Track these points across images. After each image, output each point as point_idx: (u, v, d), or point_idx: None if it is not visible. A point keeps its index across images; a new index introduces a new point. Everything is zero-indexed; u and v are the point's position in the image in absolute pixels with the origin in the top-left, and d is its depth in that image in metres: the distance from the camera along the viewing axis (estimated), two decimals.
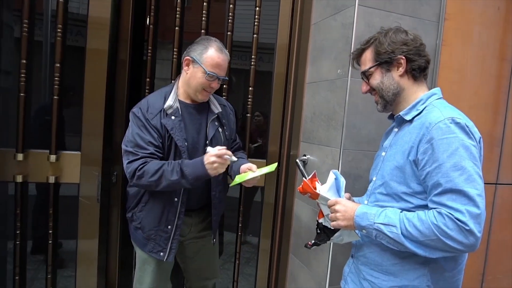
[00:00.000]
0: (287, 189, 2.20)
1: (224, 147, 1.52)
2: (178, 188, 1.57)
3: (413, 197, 1.16)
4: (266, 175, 2.08)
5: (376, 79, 1.27)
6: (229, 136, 1.81)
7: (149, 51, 2.07)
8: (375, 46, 1.26)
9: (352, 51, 1.65)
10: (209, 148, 1.53)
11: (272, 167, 1.58)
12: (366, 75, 1.29)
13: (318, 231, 1.40)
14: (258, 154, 2.31)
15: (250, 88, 2.16)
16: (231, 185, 1.61)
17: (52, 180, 1.83)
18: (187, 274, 1.93)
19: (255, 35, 2.13)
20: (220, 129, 1.75)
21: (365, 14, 1.69)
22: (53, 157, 1.82)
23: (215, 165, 1.47)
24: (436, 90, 1.28)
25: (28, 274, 1.97)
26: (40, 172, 1.84)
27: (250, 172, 1.58)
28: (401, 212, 1.14)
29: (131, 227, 1.71)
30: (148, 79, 2.09)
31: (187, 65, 1.63)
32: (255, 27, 2.13)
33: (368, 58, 1.29)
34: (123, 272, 2.17)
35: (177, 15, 2.05)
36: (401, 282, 1.19)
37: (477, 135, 1.13)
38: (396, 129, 1.30)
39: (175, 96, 1.64)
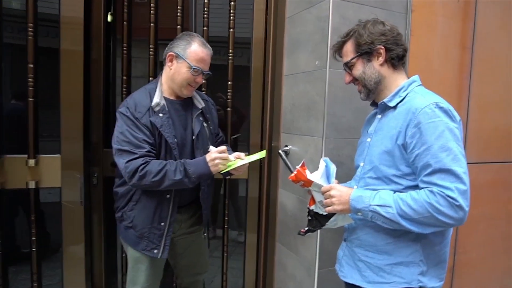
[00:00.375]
0: (270, 180, 2.25)
1: (224, 146, 1.59)
2: (180, 187, 1.57)
3: (403, 178, 1.24)
4: (249, 168, 2.12)
5: (358, 69, 1.34)
6: (213, 130, 1.83)
7: (124, 49, 2.04)
8: (355, 38, 1.33)
9: (331, 43, 1.74)
10: (211, 147, 1.60)
11: (262, 153, 1.64)
12: (349, 66, 1.36)
13: (309, 218, 1.45)
14: (240, 147, 2.34)
15: (229, 83, 2.18)
16: (221, 171, 1.62)
17: (32, 185, 1.77)
18: (178, 271, 1.93)
19: (231, 30, 2.15)
20: (205, 124, 1.77)
21: (339, 7, 1.76)
22: (31, 162, 1.76)
23: (217, 161, 1.54)
24: (415, 77, 1.36)
25: (11, 284, 1.90)
26: (18, 178, 1.77)
27: (239, 160, 1.62)
28: (394, 193, 1.21)
29: (120, 226, 1.69)
30: (125, 77, 2.06)
31: (171, 60, 1.63)
32: (231, 21, 2.15)
33: (349, 49, 1.35)
34: (108, 275, 2.13)
35: (151, 11, 2.03)
36: (396, 260, 1.27)
37: (458, 117, 1.22)
38: (379, 116, 1.37)
39: (160, 93, 1.63)
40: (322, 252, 1.84)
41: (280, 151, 2.05)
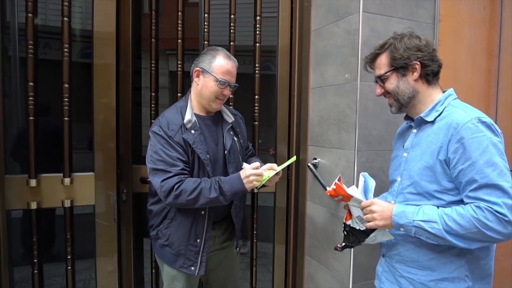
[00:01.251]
0: (298, 193, 2.24)
1: (257, 163, 1.60)
2: (215, 205, 1.58)
3: (445, 194, 1.23)
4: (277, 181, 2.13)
5: (392, 83, 1.33)
6: (243, 144, 1.84)
7: (152, 64, 2.06)
8: (390, 52, 1.32)
9: (361, 56, 1.74)
10: (245, 164, 1.61)
11: (292, 159, 1.70)
12: (382, 79, 1.36)
13: (345, 233, 1.44)
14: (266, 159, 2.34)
15: (256, 97, 2.18)
16: (258, 186, 1.61)
17: (67, 204, 1.79)
18: (209, 286, 1.93)
19: (257, 44, 2.16)
20: (235, 138, 1.78)
21: (369, 20, 1.77)
22: (67, 180, 1.78)
23: (251, 178, 1.54)
24: (451, 90, 1.36)
25: None
26: (54, 197, 1.79)
27: (272, 170, 1.63)
28: (437, 208, 1.20)
29: (155, 245, 1.69)
30: (153, 93, 2.08)
31: (197, 76, 1.66)
32: (257, 35, 2.16)
33: (383, 62, 1.35)
34: None
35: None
36: (440, 275, 1.25)
37: (499, 131, 1.22)
38: (415, 130, 1.36)
39: (191, 110, 1.65)
40: (356, 266, 1.82)
41: (309, 164, 2.05)
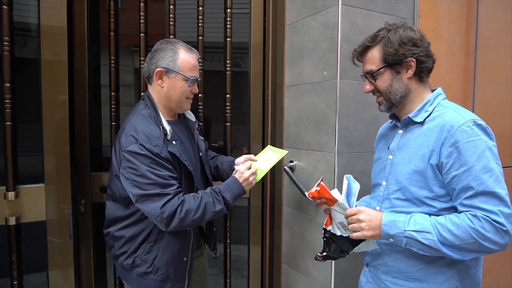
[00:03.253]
0: (274, 198, 2.11)
1: (249, 162, 1.54)
2: (217, 217, 1.45)
3: (436, 201, 1.14)
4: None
5: (385, 81, 1.22)
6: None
7: (112, 60, 1.85)
8: (384, 45, 1.19)
9: (341, 52, 1.62)
10: (237, 167, 1.51)
11: (283, 152, 1.65)
12: (373, 76, 1.23)
13: (325, 239, 1.32)
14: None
15: (227, 96, 2.02)
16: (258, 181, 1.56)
17: (12, 221, 1.55)
18: None
19: (228, 39, 2.00)
20: (202, 137, 1.66)
21: (348, 13, 1.65)
22: (11, 195, 1.54)
23: (251, 179, 1.50)
24: (440, 90, 1.27)
25: None
26: None
27: (265, 163, 1.58)
28: (430, 217, 1.11)
29: (130, 275, 1.44)
30: (113, 93, 1.86)
31: (160, 77, 1.44)
32: (228, 30, 2.00)
33: (375, 57, 1.22)
34: None
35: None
36: (428, 286, 1.17)
37: (493, 134, 1.13)
38: (400, 131, 1.27)
39: (163, 117, 1.45)
40: (337, 276, 1.72)
41: (285, 167, 1.92)
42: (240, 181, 1.46)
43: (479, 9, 2.13)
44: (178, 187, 1.37)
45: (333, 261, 1.71)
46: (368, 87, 1.27)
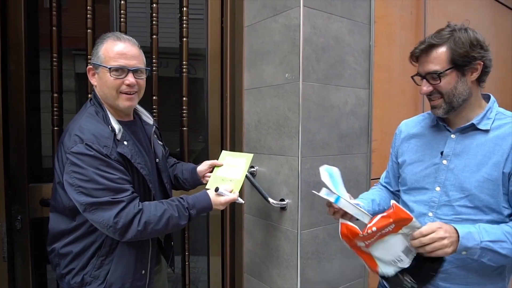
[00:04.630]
0: (234, 205, 2.02)
1: (235, 194, 1.45)
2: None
3: (506, 208, 1.14)
4: None
5: (450, 83, 1.14)
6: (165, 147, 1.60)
7: (54, 60, 1.67)
8: (453, 45, 1.12)
9: (303, 54, 1.60)
10: (222, 189, 1.40)
11: (248, 156, 1.57)
12: (439, 76, 1.14)
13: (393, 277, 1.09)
14: None
15: (184, 99, 1.91)
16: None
17: None
18: None
19: (184, 39, 1.89)
20: (160, 142, 1.53)
21: (309, 15, 1.64)
22: None
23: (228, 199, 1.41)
24: (493, 97, 1.25)
25: None
26: None
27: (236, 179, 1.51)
28: (498, 225, 1.10)
29: None
30: (56, 95, 1.68)
31: (93, 75, 1.32)
32: (184, 29, 1.89)
33: (442, 57, 1.13)
34: None
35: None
36: None
37: None
38: (453, 136, 1.21)
39: (112, 116, 1.31)
40: (304, 282, 1.67)
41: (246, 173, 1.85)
42: (213, 202, 1.37)
43: (426, 17, 2.24)
44: (132, 192, 1.23)
45: (298, 268, 1.66)
46: (426, 88, 1.18)
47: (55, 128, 1.69)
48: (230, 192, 1.44)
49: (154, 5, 1.83)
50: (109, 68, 1.26)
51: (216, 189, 1.40)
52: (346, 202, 1.14)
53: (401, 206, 1.03)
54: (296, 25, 1.63)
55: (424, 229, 1.02)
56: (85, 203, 1.17)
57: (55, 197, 1.30)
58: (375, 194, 1.45)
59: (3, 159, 1.49)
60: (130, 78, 1.28)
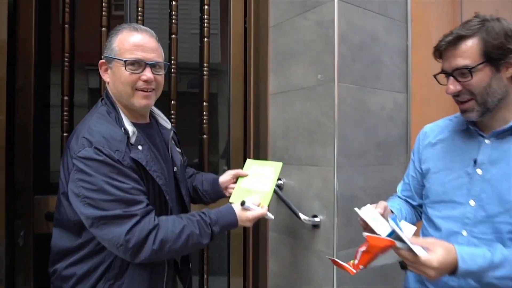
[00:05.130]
0: (258, 222, 1.83)
1: (264, 209, 1.26)
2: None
3: None
4: None
5: (483, 80, 0.97)
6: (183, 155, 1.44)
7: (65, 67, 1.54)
8: (485, 36, 0.97)
9: (338, 52, 1.44)
10: (249, 203, 1.21)
11: (276, 165, 1.41)
12: (471, 72, 0.98)
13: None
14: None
15: (204, 103, 1.76)
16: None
17: None
18: None
19: (205, 39, 1.76)
20: (178, 149, 1.37)
21: (344, 10, 1.48)
22: None
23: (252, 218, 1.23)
24: None
25: None
26: None
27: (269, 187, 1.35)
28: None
29: None
30: (66, 97, 1.54)
31: (105, 70, 1.17)
32: (205, 29, 1.76)
33: (473, 50, 0.98)
34: None
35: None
36: None
37: None
38: (487, 141, 1.04)
39: (126, 117, 1.15)
40: None
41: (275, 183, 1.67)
42: (239, 217, 1.19)
43: (462, 18, 2.08)
44: (147, 205, 1.06)
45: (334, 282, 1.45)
46: (453, 87, 1.02)
47: (64, 134, 1.55)
48: (258, 205, 1.26)
49: (174, 2, 1.70)
50: (125, 61, 1.10)
51: (242, 203, 1.21)
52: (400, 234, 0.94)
53: (375, 235, 0.94)
54: (329, 21, 1.48)
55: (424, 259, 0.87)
56: (92, 217, 1.00)
57: (59, 210, 1.13)
58: (401, 204, 1.27)
59: (5, 169, 1.35)
60: (148, 73, 1.13)
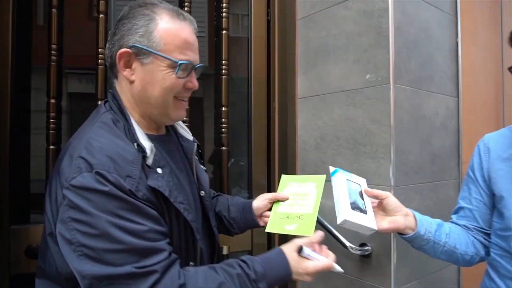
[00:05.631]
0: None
1: (330, 258, 0.91)
2: None
3: None
4: (254, 233, 1.45)
5: None
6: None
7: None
8: None
9: (394, 47, 1.18)
10: (307, 251, 0.87)
11: (319, 179, 1.12)
12: None
13: None
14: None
15: (223, 109, 1.47)
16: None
17: None
18: None
19: (223, 31, 1.48)
20: (203, 167, 1.08)
21: None
22: None
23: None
24: None
25: None
26: None
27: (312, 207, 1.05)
28: None
29: None
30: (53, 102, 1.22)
31: (128, 64, 0.84)
32: (224, 20, 1.48)
33: None
34: None
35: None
36: None
37: None
38: None
39: (139, 129, 0.85)
40: None
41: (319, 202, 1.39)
42: (293, 269, 0.85)
43: (502, 16, 1.88)
44: (170, 253, 0.76)
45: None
46: None
47: (51, 147, 1.23)
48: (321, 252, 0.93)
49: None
50: (179, 64, 0.82)
51: (299, 249, 0.88)
52: None
53: None
54: (382, 9, 1.23)
55: None
56: (91, 275, 0.69)
57: (44, 256, 0.81)
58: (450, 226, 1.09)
59: None
60: (195, 80, 0.88)
